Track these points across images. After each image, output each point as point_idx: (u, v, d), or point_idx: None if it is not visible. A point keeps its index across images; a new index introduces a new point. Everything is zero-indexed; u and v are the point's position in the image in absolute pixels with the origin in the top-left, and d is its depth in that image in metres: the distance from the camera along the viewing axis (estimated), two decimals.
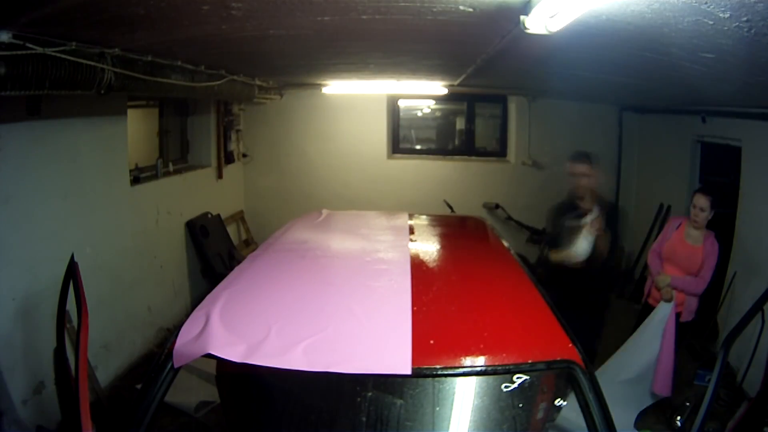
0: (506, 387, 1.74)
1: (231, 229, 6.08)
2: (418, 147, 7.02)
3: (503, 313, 1.85)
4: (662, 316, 3.28)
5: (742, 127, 4.05)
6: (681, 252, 3.41)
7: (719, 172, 4.99)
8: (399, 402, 1.83)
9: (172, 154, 5.34)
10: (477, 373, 1.54)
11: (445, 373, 1.49)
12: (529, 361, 1.53)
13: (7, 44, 2.00)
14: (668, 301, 3.29)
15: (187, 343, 1.55)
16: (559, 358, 1.57)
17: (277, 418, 2.01)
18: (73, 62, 2.35)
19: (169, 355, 1.56)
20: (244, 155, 6.59)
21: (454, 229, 3.37)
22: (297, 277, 2.10)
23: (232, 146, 6.18)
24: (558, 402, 1.88)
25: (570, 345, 1.61)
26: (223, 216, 5.85)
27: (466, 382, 1.83)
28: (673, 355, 3.27)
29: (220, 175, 5.89)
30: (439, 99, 6.78)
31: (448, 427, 1.82)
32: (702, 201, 3.27)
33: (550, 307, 1.87)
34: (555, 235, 3.38)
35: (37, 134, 3.08)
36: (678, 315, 3.35)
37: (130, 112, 4.14)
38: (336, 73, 4.66)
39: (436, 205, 6.01)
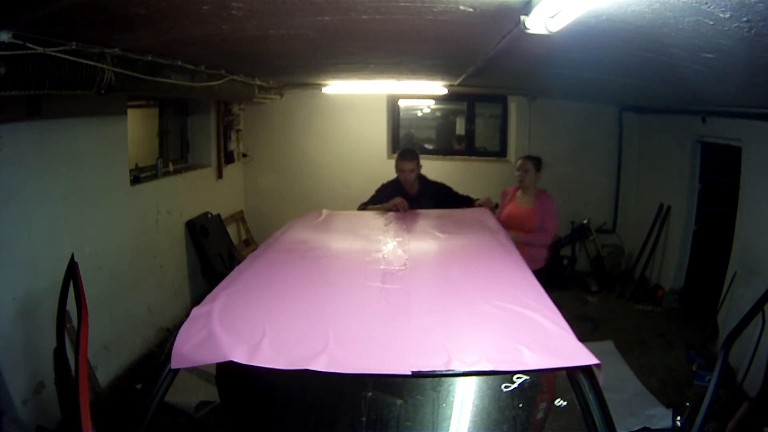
0: (506, 387, 1.74)
1: (231, 229, 6.08)
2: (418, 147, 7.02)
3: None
4: None
5: (742, 128, 4.04)
6: (516, 215, 3.81)
7: (719, 172, 4.99)
8: (399, 402, 1.83)
9: (172, 154, 5.34)
10: (477, 373, 1.54)
11: (445, 373, 1.49)
12: None
13: (7, 44, 2.00)
14: None
15: (185, 347, 1.54)
16: None
17: (277, 418, 2.01)
18: (73, 62, 2.35)
19: (169, 355, 1.56)
20: (244, 155, 6.59)
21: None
22: (297, 278, 2.10)
23: (232, 146, 6.17)
24: (558, 402, 1.88)
25: None
26: (223, 216, 5.85)
27: (466, 382, 1.83)
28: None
29: (220, 175, 5.89)
30: (439, 99, 6.77)
31: (448, 427, 1.82)
32: (525, 164, 3.79)
33: None
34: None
35: (37, 134, 3.08)
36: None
37: (130, 112, 4.14)
38: (336, 73, 4.65)
39: None
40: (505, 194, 4.09)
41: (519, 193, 3.95)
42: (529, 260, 3.71)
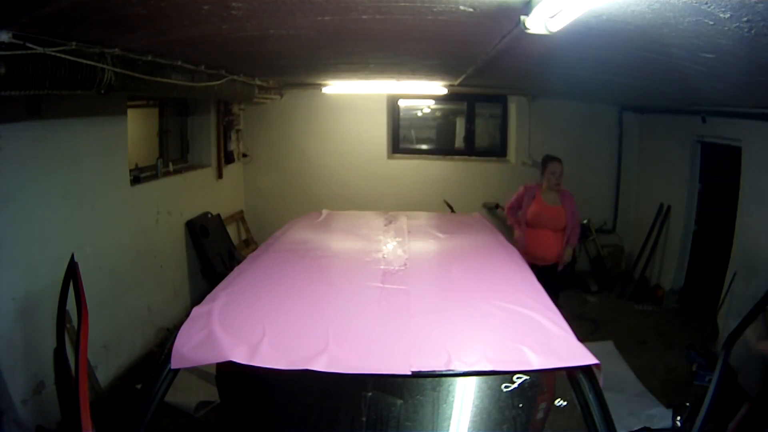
0: (506, 387, 1.74)
1: (231, 229, 6.08)
2: (418, 147, 7.02)
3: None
4: None
5: (742, 127, 4.05)
6: (547, 215, 3.97)
7: (719, 172, 4.99)
8: (399, 402, 1.83)
9: (172, 154, 5.34)
10: (477, 373, 1.54)
11: (445, 373, 1.49)
12: None
13: (7, 44, 1.99)
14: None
15: (185, 347, 1.55)
16: None
17: (277, 418, 2.01)
18: (73, 62, 2.35)
19: (169, 355, 1.56)
20: (244, 155, 6.59)
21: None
22: (297, 278, 2.10)
23: (232, 146, 6.17)
24: (558, 402, 1.88)
25: None
26: (223, 216, 5.85)
27: (466, 382, 1.83)
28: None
29: (220, 175, 5.89)
30: (439, 99, 6.78)
31: (448, 427, 1.82)
32: (557, 167, 3.94)
33: None
34: None
35: (37, 134, 3.08)
36: (555, 266, 4.02)
37: (130, 112, 4.14)
38: (336, 73, 4.65)
39: (436, 205, 6.01)
40: (527, 189, 4.11)
41: (543, 191, 4.00)
42: (558, 258, 3.97)
